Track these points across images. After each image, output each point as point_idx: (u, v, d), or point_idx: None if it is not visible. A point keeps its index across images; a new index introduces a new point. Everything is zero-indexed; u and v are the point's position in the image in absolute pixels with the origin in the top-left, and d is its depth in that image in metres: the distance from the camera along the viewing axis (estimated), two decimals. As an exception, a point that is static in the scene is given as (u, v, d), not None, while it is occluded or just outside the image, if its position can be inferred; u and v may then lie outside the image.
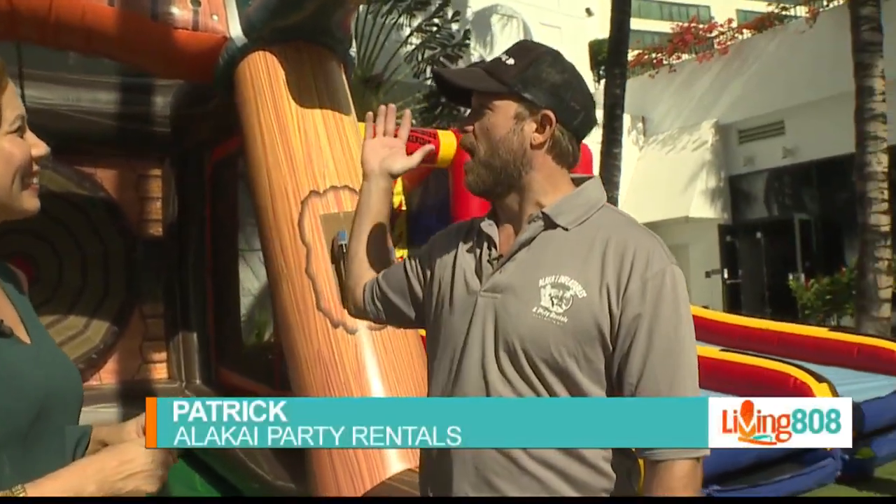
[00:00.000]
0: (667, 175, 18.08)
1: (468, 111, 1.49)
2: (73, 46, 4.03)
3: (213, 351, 5.62)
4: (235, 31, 3.76)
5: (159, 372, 5.69)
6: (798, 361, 5.61)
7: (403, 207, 7.94)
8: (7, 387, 1.05)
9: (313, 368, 3.06)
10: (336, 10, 3.52)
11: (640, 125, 19.55)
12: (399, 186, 8.05)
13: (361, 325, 3.10)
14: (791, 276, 15.79)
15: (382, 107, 1.68)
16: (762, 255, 17.12)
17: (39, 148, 1.19)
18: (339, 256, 3.11)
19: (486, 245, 1.45)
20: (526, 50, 1.43)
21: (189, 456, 5.11)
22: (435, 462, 1.44)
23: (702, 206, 17.48)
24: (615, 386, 1.32)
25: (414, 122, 12.08)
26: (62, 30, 3.71)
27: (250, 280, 9.17)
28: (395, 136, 1.66)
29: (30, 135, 1.18)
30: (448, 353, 1.43)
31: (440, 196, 7.10)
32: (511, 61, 1.40)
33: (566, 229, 1.38)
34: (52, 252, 5.32)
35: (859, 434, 4.98)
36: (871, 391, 5.37)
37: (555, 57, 1.42)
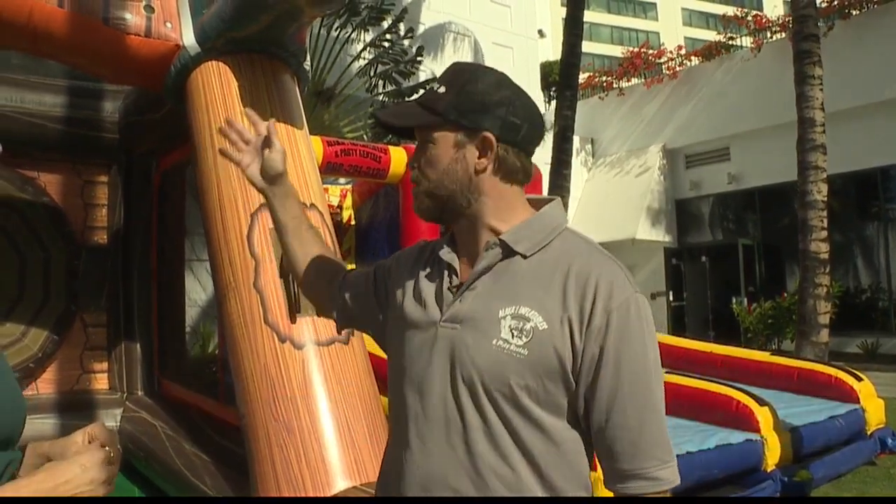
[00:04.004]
0: (614, 197, 18.38)
1: None
2: (18, 47, 3.92)
3: (156, 362, 5.50)
4: (189, 39, 3.70)
5: (100, 382, 5.54)
6: (741, 385, 5.74)
7: (353, 222, 7.90)
8: None
9: (259, 383, 3.01)
10: (291, 23, 3.49)
11: (588, 147, 19.85)
12: (348, 201, 8.01)
13: (308, 341, 3.07)
14: (734, 300, 16.15)
15: (226, 124, 1.68)
16: (707, 278, 17.50)
17: None
18: (288, 271, 3.08)
19: (446, 272, 1.42)
20: (457, 73, 1.39)
21: (129, 469, 4.99)
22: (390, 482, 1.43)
23: (648, 229, 17.79)
24: (581, 421, 1.30)
25: (365, 137, 12.09)
26: (7, 29, 3.61)
27: (196, 290, 9.04)
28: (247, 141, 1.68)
29: None
30: (412, 383, 1.39)
31: (389, 211, 7.08)
32: (443, 89, 1.36)
33: (525, 256, 1.34)
34: (-11, 256, 5.17)
35: (797, 457, 5.10)
36: (809, 415, 5.52)
37: (485, 75, 1.37)
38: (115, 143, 5.43)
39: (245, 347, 3.09)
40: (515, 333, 1.27)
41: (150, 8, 3.75)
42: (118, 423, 5.19)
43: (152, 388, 5.45)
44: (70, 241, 5.50)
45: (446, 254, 1.42)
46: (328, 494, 2.84)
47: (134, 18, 3.70)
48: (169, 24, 3.75)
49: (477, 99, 1.34)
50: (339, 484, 2.86)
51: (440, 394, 1.33)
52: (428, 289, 1.42)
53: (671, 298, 17.71)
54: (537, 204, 1.43)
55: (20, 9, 3.50)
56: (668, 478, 1.26)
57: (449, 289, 1.39)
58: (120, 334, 5.55)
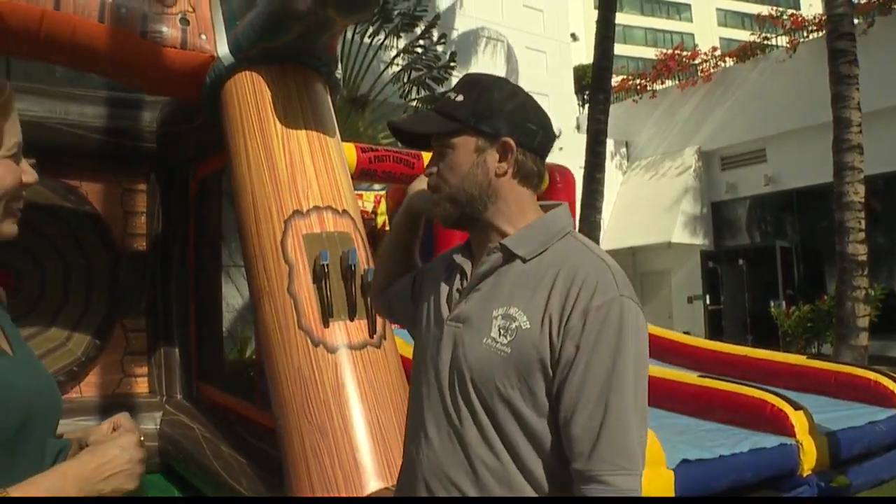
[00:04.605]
0: (649, 200, 18.24)
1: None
2: (62, 61, 4.06)
3: (194, 366, 5.61)
4: (223, 50, 3.79)
5: (140, 386, 5.68)
6: (776, 389, 5.68)
7: (387, 227, 7.97)
8: None
9: (293, 385, 3.08)
10: (322, 33, 3.57)
11: (623, 150, 19.73)
12: (383, 206, 8.09)
13: (342, 345, 3.12)
14: (772, 303, 15.92)
15: None
16: (744, 281, 17.27)
17: (29, 176, 1.24)
18: (321, 276, 3.14)
19: (458, 275, 1.50)
20: (472, 83, 1.45)
21: (168, 471, 5.10)
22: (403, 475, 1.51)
23: (684, 232, 17.63)
24: (555, 416, 1.32)
25: (399, 143, 12.15)
26: (52, 45, 3.73)
27: (233, 296, 9.19)
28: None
29: (24, 162, 1.23)
30: (424, 378, 1.48)
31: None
32: (460, 97, 1.42)
33: (525, 260, 1.40)
34: (34, 264, 5.32)
35: (835, 462, 5.04)
36: (846, 420, 5.43)
37: (502, 84, 1.45)
38: (153, 153, 5.56)
39: (279, 351, 3.16)
40: (502, 332, 1.34)
41: (185, 21, 3.85)
42: (158, 426, 5.31)
43: (190, 391, 5.57)
44: (111, 248, 5.65)
45: (459, 258, 1.50)
46: (361, 495, 2.90)
47: (170, 31, 3.80)
48: (203, 36, 3.85)
49: (495, 106, 1.41)
50: (372, 485, 2.91)
51: (441, 387, 1.42)
52: (443, 290, 1.51)
53: (708, 302, 17.51)
54: (546, 209, 1.48)
55: (64, 25, 3.62)
56: (623, 486, 1.24)
57: (458, 290, 1.47)
58: (159, 339, 5.68)
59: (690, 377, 5.94)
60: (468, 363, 1.37)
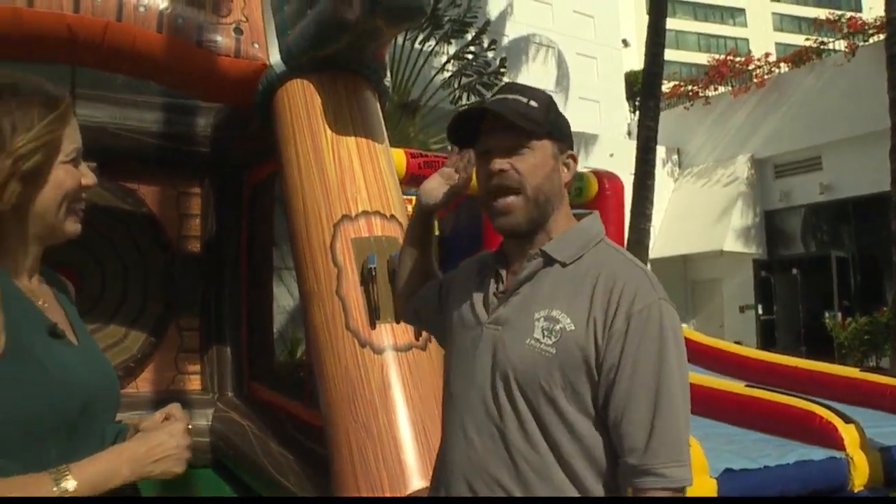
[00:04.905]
0: (701, 208, 18.01)
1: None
2: (123, 70, 4.21)
3: (245, 365, 5.75)
4: (275, 58, 3.91)
5: (193, 383, 5.84)
6: (827, 401, 5.56)
7: (437, 232, 8.03)
8: (60, 382, 1.19)
9: (340, 385, 3.16)
10: (371, 42, 3.66)
11: (674, 157, 19.52)
12: (431, 212, 8.14)
13: (388, 346, 3.20)
14: (827, 315, 15.56)
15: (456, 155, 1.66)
16: (798, 291, 16.90)
17: (88, 178, 1.33)
18: (369, 279, 3.22)
19: (492, 280, 1.55)
20: (534, 92, 1.51)
21: (219, 466, 5.24)
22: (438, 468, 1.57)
23: (736, 240, 17.37)
24: (600, 415, 1.39)
25: (450, 148, 12.24)
26: (114, 55, 3.90)
27: (285, 297, 9.35)
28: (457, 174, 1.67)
29: (82, 166, 1.32)
30: (460, 379, 1.53)
31: (472, 221, 7.18)
32: (534, 104, 1.47)
33: (564, 265, 1.46)
34: (95, 264, 5.53)
35: (889, 479, 4.92)
36: (902, 435, 5.29)
37: (553, 99, 1.54)
38: (208, 157, 5.72)
39: (327, 351, 3.24)
40: (546, 333, 1.39)
41: (239, 30, 3.98)
42: (209, 422, 5.46)
43: (241, 390, 5.71)
44: (166, 249, 5.83)
45: (496, 263, 1.56)
46: (405, 494, 2.96)
47: (224, 40, 3.93)
48: (256, 45, 3.97)
49: (561, 120, 1.52)
50: (416, 483, 2.97)
51: (481, 388, 1.46)
52: (478, 294, 1.56)
53: (760, 312, 17.19)
54: (579, 217, 1.56)
55: (125, 36, 3.78)
56: (678, 476, 1.32)
57: (495, 294, 1.53)
58: (212, 338, 5.83)
59: (738, 387, 5.87)
60: (511, 364, 1.42)
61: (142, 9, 3.79)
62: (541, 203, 1.47)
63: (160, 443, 1.22)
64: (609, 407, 1.36)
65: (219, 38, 3.91)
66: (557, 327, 1.39)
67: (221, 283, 5.87)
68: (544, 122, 1.47)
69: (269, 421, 4.91)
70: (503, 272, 1.54)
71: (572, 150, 1.53)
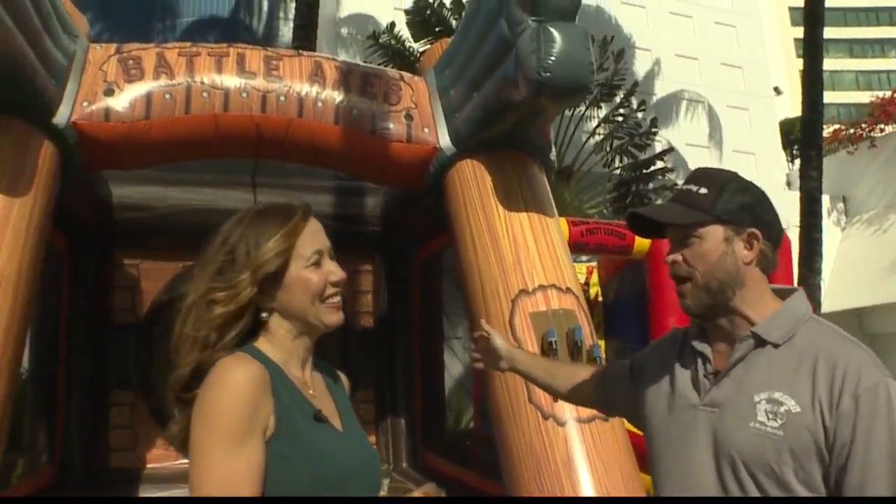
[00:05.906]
0: (874, 257, 16.87)
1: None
2: (303, 160, 4.54)
3: (418, 435, 5.89)
4: (444, 141, 4.12)
5: (369, 454, 6.01)
6: None
7: (600, 298, 8.00)
8: (319, 459, 1.34)
9: (525, 459, 3.21)
10: (535, 120, 3.79)
11: (839, 205, 18.49)
12: (595, 277, 8.13)
13: (570, 418, 3.22)
14: None
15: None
16: None
17: (334, 275, 1.48)
18: (549, 352, 3.27)
19: (699, 360, 1.57)
20: (711, 177, 1.56)
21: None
22: None
23: (918, 290, 16.09)
24: (831, 493, 1.38)
25: (605, 211, 12.22)
26: (295, 148, 4.22)
27: (454, 366, 9.51)
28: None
29: (328, 262, 1.47)
30: (676, 460, 1.56)
31: (636, 286, 7.12)
32: (704, 190, 1.54)
33: (776, 346, 1.47)
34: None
35: None
36: None
37: (737, 179, 1.56)
38: (378, 235, 6.01)
39: (511, 425, 3.30)
40: (770, 416, 1.41)
41: (409, 116, 4.22)
42: (387, 493, 5.60)
43: (415, 460, 5.84)
44: (342, 326, 6.09)
45: (699, 344, 1.59)
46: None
47: (396, 127, 4.18)
48: (426, 130, 4.19)
49: (738, 199, 1.53)
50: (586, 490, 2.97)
51: (704, 470, 1.48)
52: (683, 375, 1.60)
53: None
54: (781, 293, 1.57)
55: (305, 130, 4.10)
56: None
57: (705, 375, 1.55)
58: (385, 409, 6.03)
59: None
60: (737, 447, 1.43)
61: (320, 104, 4.11)
62: (713, 288, 1.51)
63: None
64: (844, 486, 1.36)
65: (391, 126, 4.16)
66: (782, 409, 1.40)
67: (394, 355, 6.07)
68: (710, 209, 1.51)
69: (445, 491, 4.99)
70: (708, 353, 1.56)
71: (756, 227, 1.53)
